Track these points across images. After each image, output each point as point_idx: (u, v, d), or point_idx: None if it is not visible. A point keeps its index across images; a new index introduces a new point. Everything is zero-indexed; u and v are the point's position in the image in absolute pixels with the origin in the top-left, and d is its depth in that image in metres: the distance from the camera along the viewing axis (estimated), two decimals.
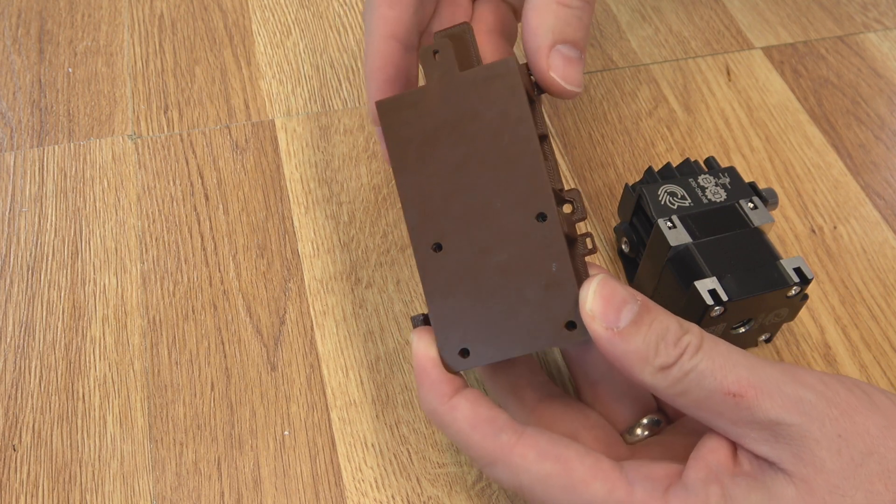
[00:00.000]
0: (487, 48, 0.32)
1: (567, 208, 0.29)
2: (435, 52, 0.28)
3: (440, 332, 0.27)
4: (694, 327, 0.25)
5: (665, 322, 0.24)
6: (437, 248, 0.27)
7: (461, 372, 0.27)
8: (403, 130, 0.28)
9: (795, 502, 0.22)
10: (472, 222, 0.27)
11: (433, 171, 0.28)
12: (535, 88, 0.29)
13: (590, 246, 0.27)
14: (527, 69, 0.29)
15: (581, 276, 0.26)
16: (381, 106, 0.29)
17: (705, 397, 0.24)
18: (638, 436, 0.29)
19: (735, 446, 0.25)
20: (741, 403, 0.23)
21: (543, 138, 0.29)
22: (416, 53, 0.31)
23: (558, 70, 0.28)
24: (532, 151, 0.27)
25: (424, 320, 0.28)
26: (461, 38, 0.29)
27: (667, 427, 0.29)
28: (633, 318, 0.24)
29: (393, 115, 0.28)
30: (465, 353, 0.27)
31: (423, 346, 0.27)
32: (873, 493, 0.22)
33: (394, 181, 0.41)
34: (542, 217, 0.26)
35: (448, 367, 0.27)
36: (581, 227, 0.39)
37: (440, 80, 0.28)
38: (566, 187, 0.40)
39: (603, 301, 0.24)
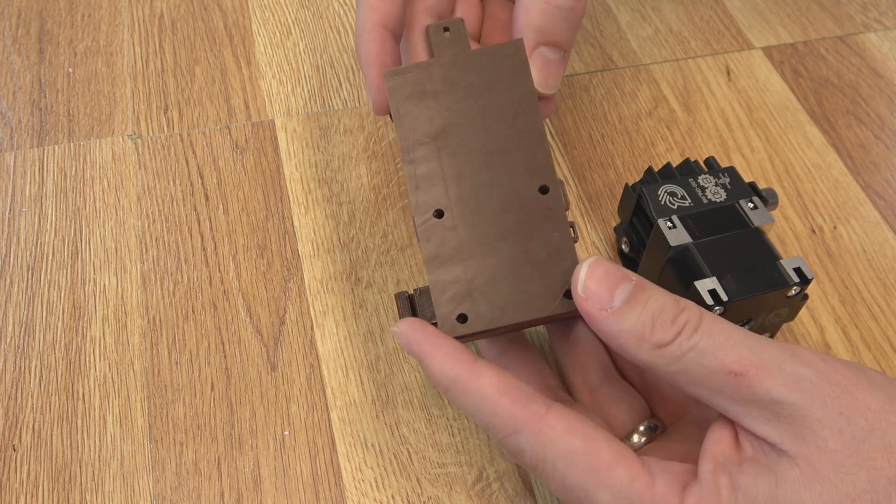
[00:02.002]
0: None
1: None
2: (445, 29, 0.29)
3: (438, 299, 0.27)
4: (692, 304, 0.25)
5: (661, 300, 0.24)
6: (439, 214, 0.28)
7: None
8: (410, 100, 0.29)
9: (801, 484, 0.22)
10: (475, 192, 0.27)
11: (439, 141, 0.28)
12: None
13: (572, 234, 0.28)
14: None
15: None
16: (388, 75, 0.29)
17: (705, 376, 0.24)
18: (636, 443, 0.29)
19: (736, 432, 0.25)
20: (742, 382, 0.23)
21: None
22: (399, 45, 0.32)
23: (535, 74, 0.30)
24: (537, 128, 0.27)
25: (409, 300, 0.28)
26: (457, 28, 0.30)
27: (663, 433, 0.29)
28: (627, 298, 0.24)
29: (400, 85, 0.29)
30: (462, 318, 0.26)
31: (417, 324, 0.26)
32: (876, 469, 0.22)
33: (394, 180, 0.41)
34: (544, 189, 0.27)
35: (446, 333, 0.26)
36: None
37: (451, 55, 0.29)
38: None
39: (595, 282, 0.24)
